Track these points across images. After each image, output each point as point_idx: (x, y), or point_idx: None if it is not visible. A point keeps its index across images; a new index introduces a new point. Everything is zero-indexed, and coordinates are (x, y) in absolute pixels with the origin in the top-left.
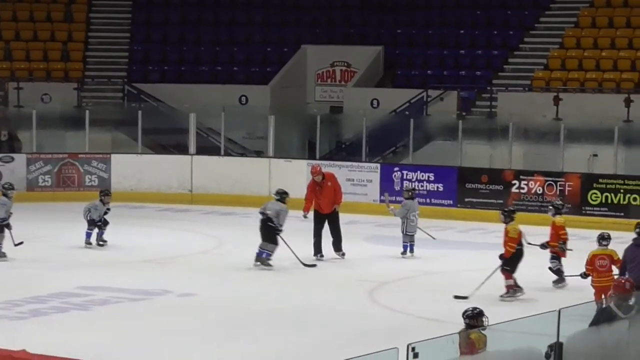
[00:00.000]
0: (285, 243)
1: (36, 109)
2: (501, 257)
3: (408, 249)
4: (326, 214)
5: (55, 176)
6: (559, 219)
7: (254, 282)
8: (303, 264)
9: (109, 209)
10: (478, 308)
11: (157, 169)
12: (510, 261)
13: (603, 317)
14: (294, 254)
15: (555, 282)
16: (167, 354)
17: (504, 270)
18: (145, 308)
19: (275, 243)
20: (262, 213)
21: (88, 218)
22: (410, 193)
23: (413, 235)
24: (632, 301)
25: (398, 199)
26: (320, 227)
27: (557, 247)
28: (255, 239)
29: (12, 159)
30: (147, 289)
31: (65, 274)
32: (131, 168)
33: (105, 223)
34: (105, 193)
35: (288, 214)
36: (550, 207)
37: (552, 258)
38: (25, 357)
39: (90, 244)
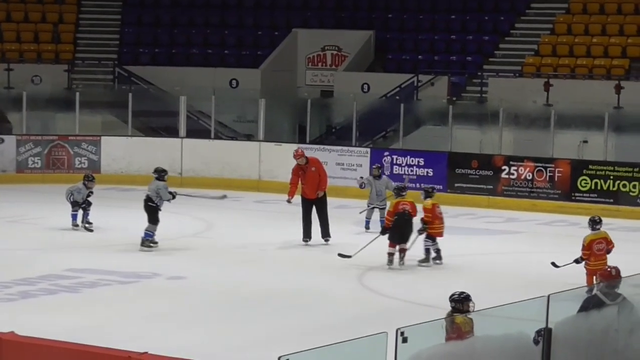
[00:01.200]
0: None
1: (26, 90)
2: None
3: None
4: (311, 199)
5: (45, 158)
6: (427, 202)
7: (243, 266)
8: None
9: (91, 192)
10: (465, 292)
11: (147, 151)
12: (390, 231)
13: (592, 303)
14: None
15: (421, 261)
16: (157, 337)
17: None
18: (135, 290)
19: (155, 223)
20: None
21: (71, 200)
22: (379, 170)
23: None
24: (618, 288)
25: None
26: (308, 212)
27: (435, 229)
28: (244, 223)
29: (2, 140)
30: (137, 272)
31: (55, 256)
32: (121, 150)
33: (89, 204)
34: (89, 179)
35: (168, 189)
36: (422, 192)
37: (427, 238)
38: (13, 339)
39: (77, 225)
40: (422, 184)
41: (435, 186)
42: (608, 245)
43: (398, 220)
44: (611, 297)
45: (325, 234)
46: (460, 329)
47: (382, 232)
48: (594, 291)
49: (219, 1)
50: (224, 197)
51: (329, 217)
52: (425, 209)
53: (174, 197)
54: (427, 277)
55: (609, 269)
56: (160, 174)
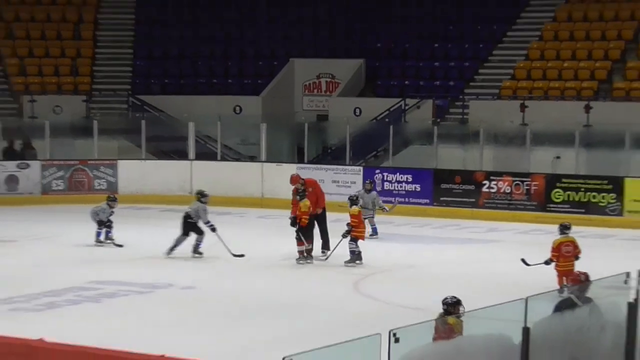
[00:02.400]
0: (220, 237)
1: (49, 119)
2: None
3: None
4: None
5: (68, 181)
6: (354, 208)
7: (247, 276)
8: (232, 254)
9: (113, 211)
10: (457, 297)
11: (160, 173)
12: (303, 230)
13: (565, 305)
14: (225, 245)
15: (347, 262)
16: (172, 341)
17: (297, 239)
18: (151, 300)
19: (201, 234)
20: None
21: (97, 219)
22: (371, 185)
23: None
24: (589, 292)
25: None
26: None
27: (357, 233)
28: (249, 236)
29: (28, 165)
30: (152, 283)
31: (78, 269)
32: (136, 173)
33: (111, 222)
34: (112, 199)
35: (207, 211)
36: (347, 200)
37: (351, 240)
38: (41, 345)
39: (100, 242)
40: (410, 199)
41: (356, 194)
42: (575, 249)
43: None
44: (582, 300)
45: (325, 246)
46: (452, 330)
47: (343, 235)
48: (566, 293)
49: (222, 35)
50: (242, 255)
51: (328, 231)
52: (352, 215)
53: (213, 229)
54: (417, 283)
55: (578, 275)
56: (202, 197)
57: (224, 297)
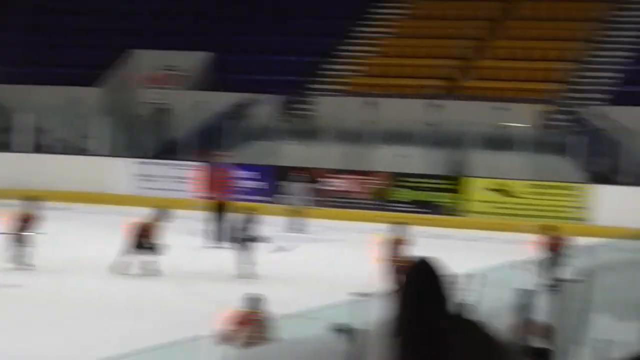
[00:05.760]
0: None
1: None
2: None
3: None
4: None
5: None
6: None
7: (79, 276)
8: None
9: None
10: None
11: None
12: None
13: None
14: None
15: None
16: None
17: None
18: None
19: None
20: None
21: None
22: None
23: None
24: None
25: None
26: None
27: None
28: (85, 236)
29: None
30: None
31: None
32: None
33: None
34: None
35: None
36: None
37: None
38: None
39: None
40: (252, 196)
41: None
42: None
43: None
44: None
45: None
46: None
47: None
48: None
49: (52, 21)
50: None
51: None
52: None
53: None
54: (247, 282)
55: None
56: None
57: (49, 298)
